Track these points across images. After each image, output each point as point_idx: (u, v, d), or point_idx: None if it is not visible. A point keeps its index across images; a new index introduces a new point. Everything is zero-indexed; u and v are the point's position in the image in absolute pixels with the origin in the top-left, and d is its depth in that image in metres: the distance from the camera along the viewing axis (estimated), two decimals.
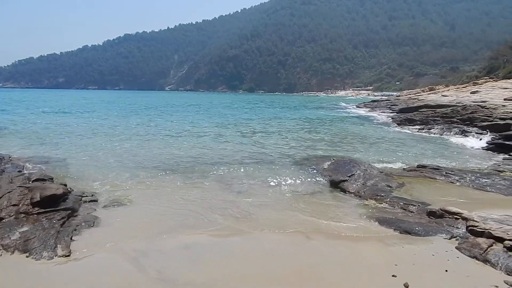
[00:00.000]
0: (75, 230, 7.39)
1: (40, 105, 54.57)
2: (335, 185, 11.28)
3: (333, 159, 14.36)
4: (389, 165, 14.16)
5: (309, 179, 12.07)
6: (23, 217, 7.46)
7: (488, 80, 50.06)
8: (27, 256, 6.26)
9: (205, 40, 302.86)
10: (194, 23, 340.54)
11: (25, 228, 7.04)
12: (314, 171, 12.98)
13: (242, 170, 13.39)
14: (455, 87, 57.06)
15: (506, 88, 37.40)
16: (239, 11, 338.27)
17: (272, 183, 11.53)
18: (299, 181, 11.79)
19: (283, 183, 11.58)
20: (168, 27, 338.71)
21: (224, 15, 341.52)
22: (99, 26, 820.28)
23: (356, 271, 5.87)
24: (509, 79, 44.31)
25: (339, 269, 5.94)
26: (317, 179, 12.09)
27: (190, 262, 6.21)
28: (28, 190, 8.28)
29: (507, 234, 6.53)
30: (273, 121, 34.94)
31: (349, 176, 11.61)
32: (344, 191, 10.80)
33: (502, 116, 21.23)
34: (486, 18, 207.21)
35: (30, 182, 9.65)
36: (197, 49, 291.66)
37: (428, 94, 55.02)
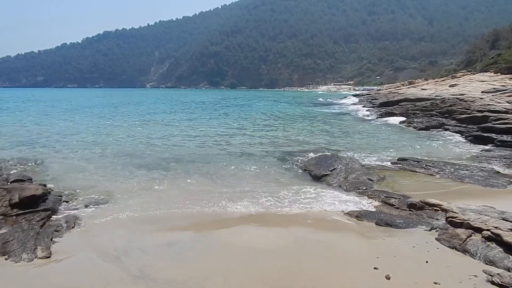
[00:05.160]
0: (55, 231, 7.26)
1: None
2: (318, 179, 11.34)
3: (316, 154, 14.44)
4: (371, 158, 14.28)
5: (292, 174, 12.10)
6: (1, 219, 7.30)
7: (466, 73, 50.95)
8: (6, 259, 6.13)
9: (186, 36, 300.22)
10: (174, 19, 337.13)
11: (3, 230, 6.89)
12: (297, 165, 13.02)
13: (226, 164, 13.41)
14: (434, 80, 57.97)
15: (483, 81, 38.17)
16: (220, 7, 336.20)
17: (254, 178, 11.53)
18: (282, 176, 11.82)
19: (266, 178, 11.58)
20: (148, 24, 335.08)
21: (204, 11, 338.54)
22: (77, 24, 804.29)
23: (338, 265, 5.91)
24: (486, 72, 45.14)
25: (322, 263, 5.96)
26: (300, 173, 12.13)
27: (172, 260, 6.17)
28: (6, 191, 8.06)
29: (485, 224, 6.65)
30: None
31: (331, 170, 11.69)
32: (326, 185, 10.86)
33: (479, 109, 21.57)
34: (463, 13, 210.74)
35: (8, 183, 9.46)
36: (178, 45, 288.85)
37: (408, 88, 55.75)
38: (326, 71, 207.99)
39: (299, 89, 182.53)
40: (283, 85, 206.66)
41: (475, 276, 5.38)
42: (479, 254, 6.04)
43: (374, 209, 8.65)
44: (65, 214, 8.32)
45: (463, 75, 48.86)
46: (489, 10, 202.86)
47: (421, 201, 8.42)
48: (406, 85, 64.20)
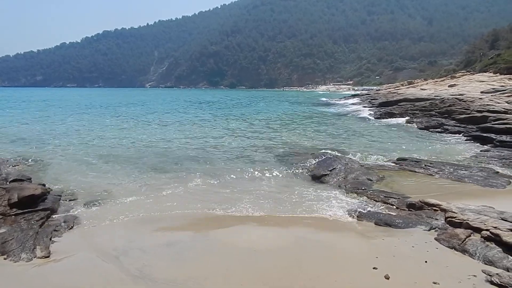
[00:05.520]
0: (54, 230, 7.26)
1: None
2: (317, 179, 11.36)
3: (315, 154, 14.43)
4: (370, 158, 14.28)
5: (291, 174, 12.11)
6: (0, 218, 7.29)
7: (465, 73, 50.89)
8: (5, 258, 6.13)
9: (186, 36, 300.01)
10: (174, 19, 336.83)
11: (2, 230, 6.88)
12: (297, 165, 13.02)
13: (226, 165, 13.44)
14: (434, 80, 57.90)
15: (483, 81, 38.14)
16: (219, 7, 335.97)
17: (254, 178, 11.56)
18: (281, 176, 11.84)
19: (266, 178, 11.61)
20: (147, 24, 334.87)
21: (204, 11, 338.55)
22: (76, 23, 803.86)
23: (338, 264, 5.92)
24: (485, 72, 45.12)
25: (322, 263, 5.97)
26: (299, 173, 12.14)
27: (172, 260, 6.17)
28: (5, 191, 8.04)
29: (484, 224, 6.66)
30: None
31: (330, 170, 11.70)
32: (325, 185, 10.87)
33: (479, 109, 21.58)
34: (462, 13, 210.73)
35: (8, 182, 9.42)
36: (178, 45, 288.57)
37: (407, 88, 55.68)
38: (325, 71, 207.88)
39: (298, 89, 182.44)
40: (282, 85, 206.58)
41: (474, 276, 5.39)
42: (478, 254, 6.05)
43: (373, 209, 8.66)
44: (64, 214, 8.32)
45: (463, 75, 48.82)
46: (489, 10, 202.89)
47: (420, 201, 8.43)
48: (406, 85, 64.08)
